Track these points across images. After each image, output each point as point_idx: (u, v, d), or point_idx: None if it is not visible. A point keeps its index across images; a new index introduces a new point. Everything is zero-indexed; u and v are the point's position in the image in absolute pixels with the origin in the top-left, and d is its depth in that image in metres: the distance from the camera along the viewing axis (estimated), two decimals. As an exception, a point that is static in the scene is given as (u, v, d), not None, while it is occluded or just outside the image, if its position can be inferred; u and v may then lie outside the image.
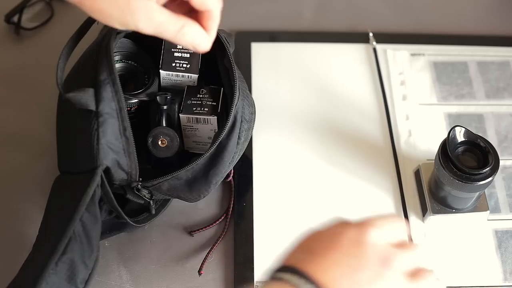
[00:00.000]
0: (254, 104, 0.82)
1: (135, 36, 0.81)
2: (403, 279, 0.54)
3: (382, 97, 0.93)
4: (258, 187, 0.85)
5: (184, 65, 0.80)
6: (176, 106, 0.79)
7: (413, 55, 0.98)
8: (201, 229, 0.82)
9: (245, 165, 0.86)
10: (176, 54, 0.80)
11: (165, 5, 0.63)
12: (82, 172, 0.71)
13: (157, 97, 0.78)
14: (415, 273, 0.55)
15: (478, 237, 0.82)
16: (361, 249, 0.54)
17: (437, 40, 1.00)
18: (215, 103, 0.79)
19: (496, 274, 0.79)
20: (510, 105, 0.93)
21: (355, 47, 0.99)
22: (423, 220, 0.83)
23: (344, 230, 0.55)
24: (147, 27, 0.62)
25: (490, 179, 0.76)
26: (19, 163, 0.87)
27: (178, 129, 0.80)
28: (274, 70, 0.96)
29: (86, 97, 0.68)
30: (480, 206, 0.81)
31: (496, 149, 0.77)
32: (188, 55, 0.80)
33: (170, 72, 0.80)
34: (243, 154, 0.81)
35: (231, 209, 0.83)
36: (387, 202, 0.84)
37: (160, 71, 0.80)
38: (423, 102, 0.93)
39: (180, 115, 0.78)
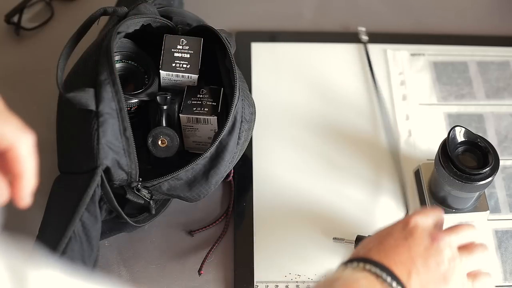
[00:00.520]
0: (254, 104, 0.82)
1: (135, 36, 0.81)
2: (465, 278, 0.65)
3: (380, 97, 0.93)
4: (258, 187, 0.85)
5: (184, 65, 0.80)
6: (176, 106, 0.79)
7: (413, 55, 0.98)
8: (201, 229, 0.82)
9: (245, 165, 0.86)
10: (176, 54, 0.80)
11: None
12: (82, 172, 0.71)
13: (157, 97, 0.78)
14: (475, 274, 0.66)
15: (478, 237, 0.82)
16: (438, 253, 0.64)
17: (437, 40, 0.99)
18: (215, 103, 0.79)
19: (496, 274, 0.79)
20: (510, 105, 0.93)
21: (355, 47, 0.99)
22: (423, 220, 0.83)
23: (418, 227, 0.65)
24: None
25: (490, 179, 0.76)
26: (19, 163, 0.87)
27: (178, 129, 0.80)
28: (274, 70, 0.96)
29: (86, 97, 0.68)
30: (480, 206, 0.81)
31: (496, 149, 0.77)
32: (188, 55, 0.80)
33: (170, 72, 0.80)
34: (243, 154, 0.81)
35: (231, 209, 0.83)
36: (387, 202, 0.84)
37: (160, 71, 0.80)
38: (423, 102, 0.93)
39: (180, 115, 0.78)
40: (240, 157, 0.79)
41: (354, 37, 1.00)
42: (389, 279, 0.59)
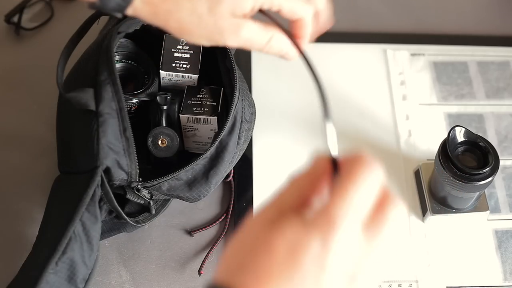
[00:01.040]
0: (254, 104, 0.82)
1: (135, 36, 0.81)
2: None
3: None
4: (258, 187, 0.85)
5: (184, 65, 0.80)
6: (176, 106, 0.79)
7: (413, 55, 0.98)
8: (201, 229, 0.82)
9: (245, 165, 0.86)
10: (176, 55, 0.80)
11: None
12: (82, 172, 0.71)
13: (157, 97, 0.78)
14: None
15: (478, 237, 0.82)
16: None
17: (437, 40, 0.99)
18: (215, 103, 0.79)
19: (496, 274, 0.79)
20: (510, 105, 0.93)
21: (355, 47, 0.99)
22: (423, 220, 0.83)
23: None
24: (235, 43, 0.62)
25: (490, 179, 0.76)
26: (19, 163, 0.87)
27: (178, 129, 0.80)
28: (274, 70, 0.96)
29: (86, 97, 0.68)
30: (480, 206, 0.81)
31: (496, 149, 0.77)
32: (188, 55, 0.80)
33: (170, 72, 0.80)
34: (243, 154, 0.81)
35: (231, 209, 0.83)
36: (387, 202, 0.84)
37: (160, 71, 0.80)
38: (423, 102, 0.93)
39: (180, 115, 0.78)
40: (240, 157, 0.79)
41: (354, 37, 1.00)
42: None
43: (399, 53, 0.98)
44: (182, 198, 0.77)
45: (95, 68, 0.71)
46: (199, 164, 0.75)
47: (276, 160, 0.88)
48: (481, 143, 0.77)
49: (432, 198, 0.82)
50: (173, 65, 0.80)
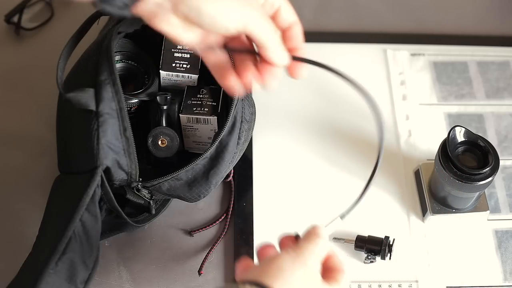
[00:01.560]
0: (254, 104, 0.82)
1: (135, 36, 0.81)
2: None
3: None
4: (258, 187, 0.85)
5: (184, 65, 0.80)
6: (176, 106, 0.79)
7: (413, 55, 0.98)
8: (201, 229, 0.82)
9: (245, 165, 0.86)
10: (176, 54, 0.80)
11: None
12: (82, 172, 0.71)
13: (157, 97, 0.78)
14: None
15: (478, 237, 0.82)
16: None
17: (437, 40, 1.00)
18: (215, 103, 0.79)
19: (496, 274, 0.79)
20: (510, 105, 0.93)
21: (355, 47, 0.99)
22: (423, 220, 0.83)
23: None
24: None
25: (490, 179, 0.76)
26: (19, 163, 0.87)
27: (178, 129, 0.80)
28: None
29: (86, 97, 0.68)
30: (480, 206, 0.81)
31: (496, 149, 0.77)
32: (188, 55, 0.80)
33: (170, 72, 0.80)
34: (243, 154, 0.81)
35: (231, 209, 0.83)
36: (387, 202, 0.84)
37: (160, 71, 0.80)
38: (423, 102, 0.93)
39: (180, 115, 0.78)
40: (240, 157, 0.79)
41: (354, 37, 1.00)
42: None
43: (399, 53, 0.98)
44: (182, 198, 0.77)
45: (95, 68, 0.71)
46: (199, 164, 0.75)
47: (276, 160, 0.88)
48: (481, 143, 0.77)
49: (432, 198, 0.82)
50: (173, 65, 0.80)
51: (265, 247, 0.63)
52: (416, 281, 0.78)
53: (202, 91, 0.80)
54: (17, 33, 0.99)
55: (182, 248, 0.81)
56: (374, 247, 0.78)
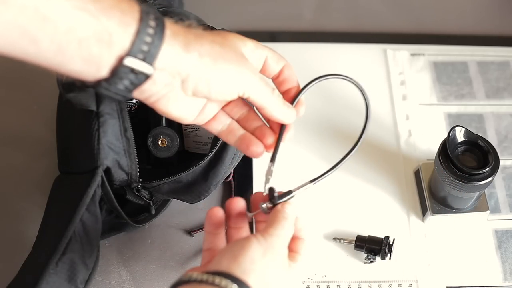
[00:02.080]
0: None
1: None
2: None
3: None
4: (258, 187, 0.85)
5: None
6: (176, 106, 0.79)
7: (413, 55, 0.98)
8: (201, 229, 0.82)
9: (245, 165, 0.86)
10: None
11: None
12: (82, 172, 0.71)
13: (157, 97, 0.77)
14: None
15: (478, 237, 0.82)
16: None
17: (437, 40, 1.00)
18: (215, 103, 0.79)
19: (496, 274, 0.79)
20: (510, 105, 0.93)
21: (355, 47, 0.99)
22: (423, 220, 0.83)
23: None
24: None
25: (490, 179, 0.76)
26: (19, 163, 0.87)
27: (178, 129, 0.80)
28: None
29: (86, 97, 0.68)
30: (480, 206, 0.81)
31: (496, 149, 0.77)
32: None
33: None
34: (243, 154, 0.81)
35: (231, 209, 0.83)
36: (387, 202, 0.84)
37: (160, 71, 0.79)
38: (423, 102, 0.93)
39: (180, 115, 0.78)
40: (240, 158, 0.79)
41: (354, 37, 1.00)
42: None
43: (399, 53, 0.98)
44: (182, 199, 0.77)
45: (95, 68, 0.71)
46: (199, 166, 0.74)
47: (276, 160, 0.88)
48: (481, 143, 0.77)
49: (432, 198, 0.82)
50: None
51: (236, 219, 0.63)
52: (416, 281, 0.78)
53: (202, 91, 0.79)
54: (17, 33, 0.99)
55: (182, 248, 0.81)
56: (374, 247, 0.78)
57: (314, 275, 0.79)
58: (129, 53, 0.52)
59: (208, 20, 0.85)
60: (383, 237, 0.79)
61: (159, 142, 0.77)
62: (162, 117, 0.78)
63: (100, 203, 0.72)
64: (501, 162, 0.79)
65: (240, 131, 0.65)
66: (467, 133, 0.78)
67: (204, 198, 0.77)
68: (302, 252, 0.62)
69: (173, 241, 0.82)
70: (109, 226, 0.78)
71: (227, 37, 0.60)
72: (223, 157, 0.75)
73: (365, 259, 0.79)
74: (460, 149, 0.78)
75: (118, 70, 0.53)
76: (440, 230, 0.82)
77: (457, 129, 0.77)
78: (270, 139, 0.65)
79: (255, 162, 0.87)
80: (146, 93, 0.56)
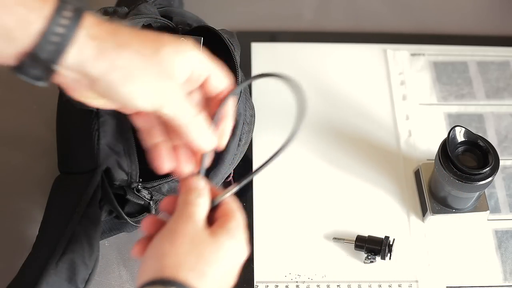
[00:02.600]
0: (253, 107, 0.82)
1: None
2: None
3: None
4: (258, 187, 0.85)
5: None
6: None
7: (413, 55, 0.98)
8: (201, 229, 0.82)
9: (245, 165, 0.86)
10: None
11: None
12: (82, 172, 0.71)
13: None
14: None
15: (478, 237, 0.82)
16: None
17: (437, 40, 1.00)
18: (215, 103, 0.79)
19: (496, 274, 0.79)
20: (510, 105, 0.93)
21: (355, 47, 0.99)
22: (423, 220, 0.83)
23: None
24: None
25: (490, 179, 0.76)
26: (19, 163, 0.87)
27: (178, 129, 0.79)
28: (274, 70, 0.95)
29: (86, 98, 0.68)
30: (480, 206, 0.81)
31: (496, 149, 0.77)
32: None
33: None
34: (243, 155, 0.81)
35: (231, 209, 0.83)
36: (387, 202, 0.84)
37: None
38: (423, 102, 0.93)
39: (180, 115, 0.78)
40: (240, 159, 0.79)
41: (354, 37, 1.00)
42: None
43: (399, 53, 0.98)
44: (182, 198, 0.77)
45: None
46: (199, 165, 0.74)
47: (276, 160, 0.88)
48: (481, 143, 0.77)
49: (432, 198, 0.82)
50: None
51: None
52: (416, 281, 0.78)
53: (202, 91, 0.79)
54: (17, 33, 0.99)
55: (182, 248, 0.81)
56: (374, 247, 0.78)
57: (314, 275, 0.79)
58: (33, 50, 0.50)
59: (208, 20, 0.86)
60: (383, 237, 0.79)
61: (159, 142, 0.77)
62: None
63: (100, 203, 0.72)
64: (501, 162, 0.79)
65: (158, 139, 0.60)
66: (467, 133, 0.78)
67: (204, 198, 0.77)
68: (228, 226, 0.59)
69: (173, 241, 0.81)
70: (109, 226, 0.78)
71: (161, 49, 0.55)
72: (223, 157, 0.75)
73: (365, 259, 0.79)
74: (460, 149, 0.78)
75: (23, 63, 0.51)
76: (440, 230, 0.82)
77: (457, 129, 0.77)
78: (173, 165, 0.60)
79: (255, 162, 0.87)
80: (58, 82, 0.54)
